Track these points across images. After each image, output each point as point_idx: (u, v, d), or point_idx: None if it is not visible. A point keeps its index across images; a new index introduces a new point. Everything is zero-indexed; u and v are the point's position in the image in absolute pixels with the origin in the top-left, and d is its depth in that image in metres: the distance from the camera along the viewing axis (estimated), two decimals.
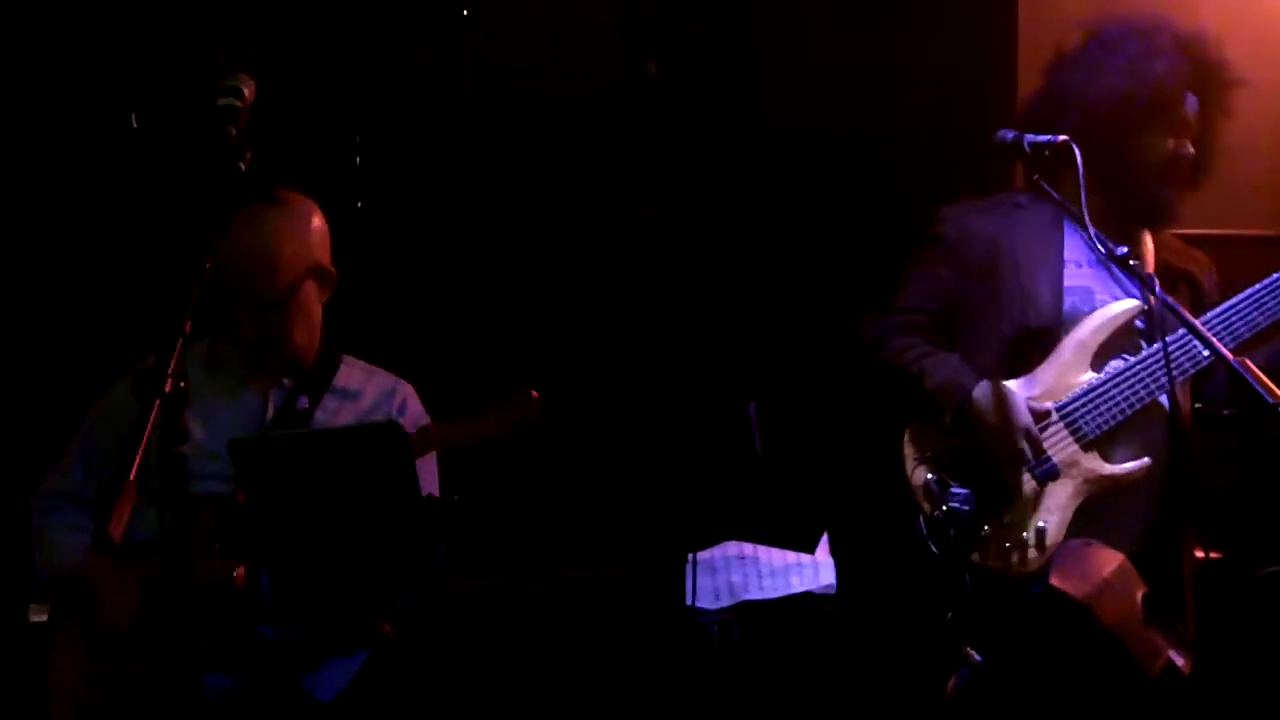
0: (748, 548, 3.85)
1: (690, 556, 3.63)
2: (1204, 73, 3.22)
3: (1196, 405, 3.26)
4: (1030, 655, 2.93)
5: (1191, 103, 3.21)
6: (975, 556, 3.01)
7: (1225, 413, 3.24)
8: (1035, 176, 3.13)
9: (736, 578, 3.81)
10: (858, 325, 3.25)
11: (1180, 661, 2.96)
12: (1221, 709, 3.27)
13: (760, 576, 3.82)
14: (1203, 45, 3.24)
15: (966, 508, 2.94)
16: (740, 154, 4.34)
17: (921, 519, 3.02)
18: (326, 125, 4.02)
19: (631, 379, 3.96)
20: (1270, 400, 2.76)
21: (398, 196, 4.10)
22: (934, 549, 2.96)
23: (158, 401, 2.15)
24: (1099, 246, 3.01)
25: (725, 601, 3.78)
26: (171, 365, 2.17)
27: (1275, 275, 3.16)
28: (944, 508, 2.94)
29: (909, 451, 3.12)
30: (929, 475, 3.05)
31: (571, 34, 4.29)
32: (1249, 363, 2.80)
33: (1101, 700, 2.92)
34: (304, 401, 3.13)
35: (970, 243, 3.22)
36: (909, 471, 3.09)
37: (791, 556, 3.84)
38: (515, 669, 3.79)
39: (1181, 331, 3.05)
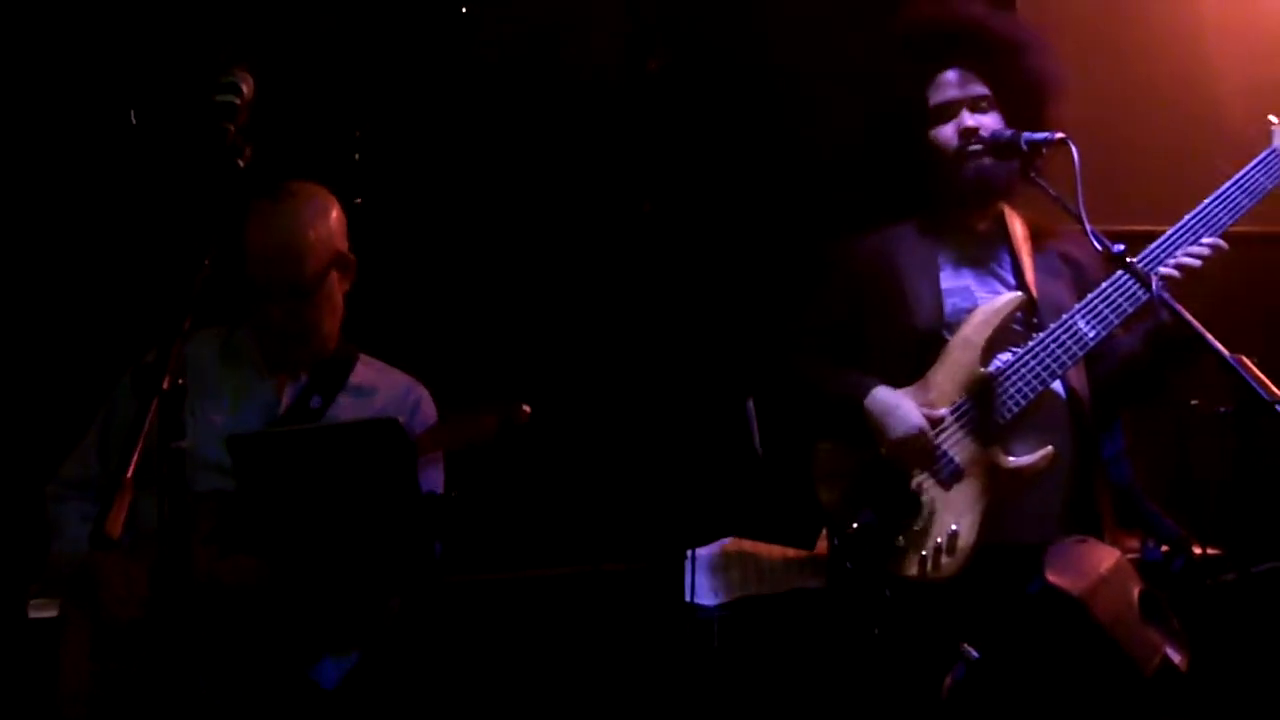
0: (747, 544, 3.85)
1: (689, 553, 3.64)
2: (964, 44, 3.22)
3: (1194, 403, 3.26)
4: (1026, 652, 2.93)
5: (946, 86, 3.20)
6: (891, 567, 3.01)
7: (1221, 410, 3.23)
8: (1031, 174, 3.12)
9: (735, 574, 3.82)
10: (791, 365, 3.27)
11: (1177, 659, 2.96)
12: (1218, 706, 3.27)
13: (759, 573, 3.82)
14: (942, 22, 3.23)
15: (873, 522, 2.96)
16: (740, 150, 4.34)
17: (834, 537, 3.04)
18: (326, 120, 4.03)
19: (631, 376, 3.96)
20: (1267, 397, 2.74)
21: (398, 191, 4.10)
22: (849, 565, 2.97)
23: (156, 398, 2.16)
24: (1096, 244, 2.98)
25: (724, 598, 3.79)
26: (170, 363, 2.18)
27: (1185, 217, 3.13)
28: (853, 525, 2.96)
29: (816, 472, 3.12)
30: (835, 494, 3.07)
31: (573, 30, 4.29)
32: (1245, 360, 2.79)
33: (1097, 698, 2.92)
34: (317, 400, 3.13)
35: (854, 262, 3.25)
36: (817, 492, 3.10)
37: (790, 553, 3.84)
38: (514, 664, 3.79)
39: (1065, 316, 3.05)
